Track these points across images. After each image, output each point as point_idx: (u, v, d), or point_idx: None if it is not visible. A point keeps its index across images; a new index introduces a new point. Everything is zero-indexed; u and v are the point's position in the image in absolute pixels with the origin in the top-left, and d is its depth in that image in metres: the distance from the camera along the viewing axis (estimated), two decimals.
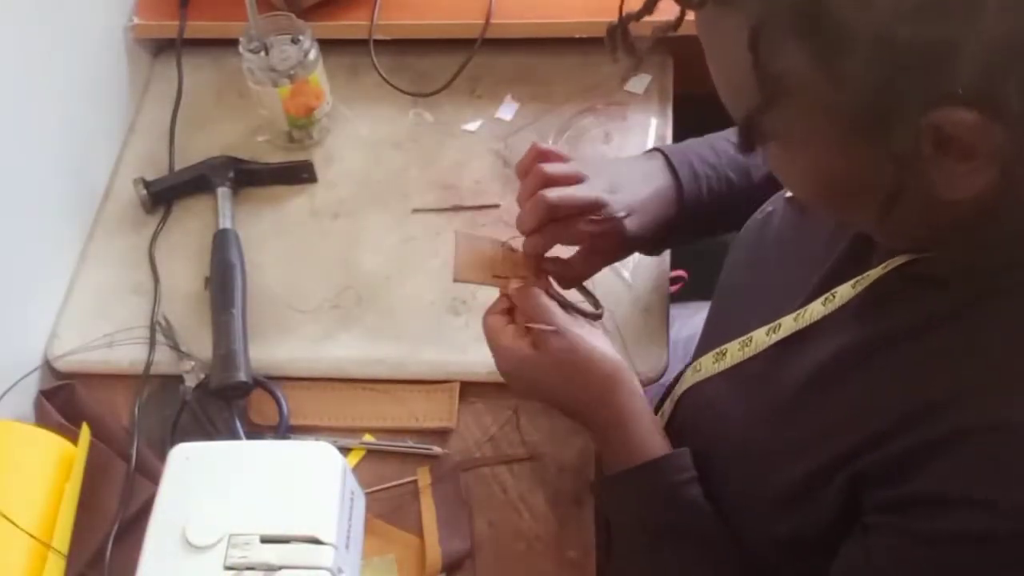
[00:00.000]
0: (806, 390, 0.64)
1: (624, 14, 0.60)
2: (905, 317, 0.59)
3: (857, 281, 0.63)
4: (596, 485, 0.79)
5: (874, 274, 0.61)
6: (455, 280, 0.80)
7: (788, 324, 0.68)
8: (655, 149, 0.88)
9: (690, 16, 0.56)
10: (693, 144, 0.90)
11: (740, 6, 0.50)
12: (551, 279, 0.80)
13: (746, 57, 0.50)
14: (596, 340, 0.76)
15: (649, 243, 0.85)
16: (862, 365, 0.61)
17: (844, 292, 0.64)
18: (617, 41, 0.61)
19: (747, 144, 0.55)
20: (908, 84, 0.47)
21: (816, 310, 0.66)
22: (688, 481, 0.71)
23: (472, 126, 1.12)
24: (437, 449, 0.90)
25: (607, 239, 0.80)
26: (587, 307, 0.81)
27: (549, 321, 0.75)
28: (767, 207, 0.81)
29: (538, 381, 0.77)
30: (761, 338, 0.70)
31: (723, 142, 0.89)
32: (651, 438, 0.74)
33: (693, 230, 0.86)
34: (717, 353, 0.74)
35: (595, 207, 0.77)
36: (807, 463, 0.62)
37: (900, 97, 0.47)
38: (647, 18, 0.59)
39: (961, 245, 0.57)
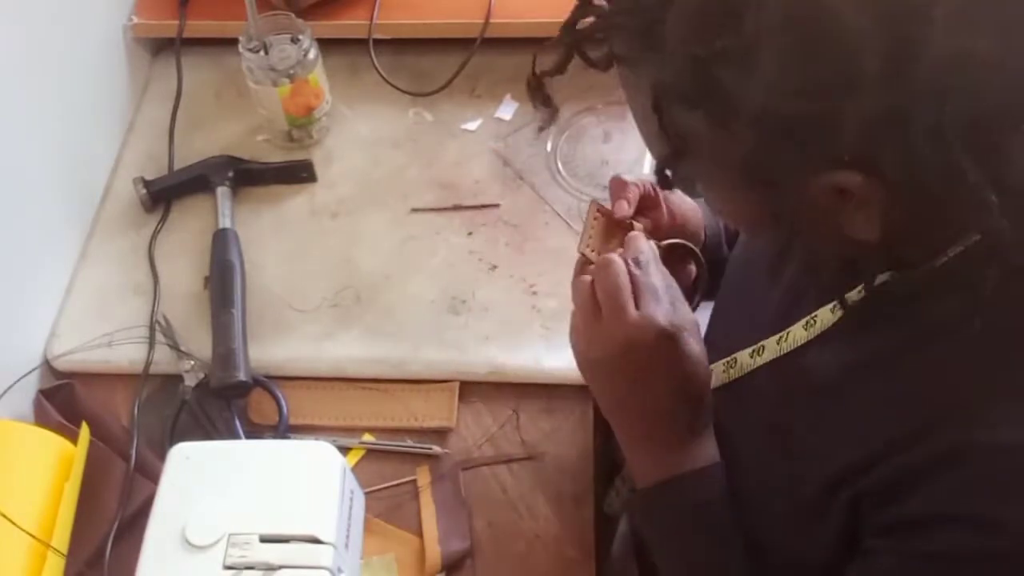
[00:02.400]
0: (794, 420, 0.64)
1: (539, 72, 0.64)
2: (889, 337, 0.59)
3: (835, 306, 0.63)
4: (631, 497, 0.74)
5: (853, 296, 0.61)
6: (579, 250, 0.75)
7: (771, 347, 0.68)
8: None
9: None
10: None
11: (640, 73, 0.55)
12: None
13: (652, 118, 0.54)
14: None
15: None
16: (852, 387, 0.61)
17: (824, 316, 0.64)
18: (535, 96, 0.66)
19: (664, 184, 0.59)
20: (794, 150, 0.50)
21: (798, 335, 0.66)
22: (722, 498, 0.69)
23: (472, 125, 1.12)
24: (437, 449, 0.90)
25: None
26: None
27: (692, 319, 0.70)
28: None
29: (647, 364, 0.67)
30: (745, 360, 0.70)
31: None
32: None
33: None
34: None
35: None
36: (804, 492, 0.62)
37: (784, 160, 0.51)
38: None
39: (916, 264, 0.57)
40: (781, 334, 0.67)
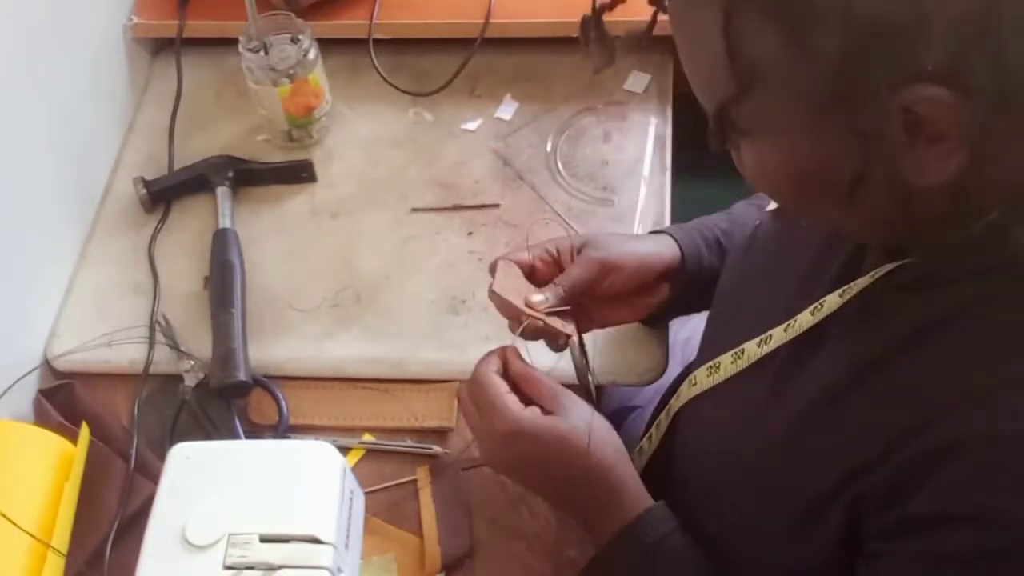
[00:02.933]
0: (805, 415, 0.63)
1: (598, 5, 0.61)
2: (893, 330, 0.58)
3: (844, 290, 0.62)
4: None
5: (862, 283, 0.61)
6: (493, 289, 0.78)
7: (778, 335, 0.67)
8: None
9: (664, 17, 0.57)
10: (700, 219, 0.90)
11: None
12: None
13: (719, 47, 0.51)
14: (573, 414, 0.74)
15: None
16: (856, 386, 0.60)
17: (831, 301, 0.63)
18: (590, 33, 0.62)
19: (720, 139, 0.56)
20: (876, 60, 0.47)
21: (805, 320, 0.65)
22: (666, 535, 0.70)
23: (472, 125, 1.12)
24: (437, 448, 0.90)
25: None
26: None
27: (551, 391, 0.74)
28: (756, 220, 0.81)
29: (537, 453, 0.73)
30: (752, 350, 0.69)
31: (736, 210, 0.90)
32: (630, 505, 0.73)
33: (703, 291, 0.84)
34: (711, 367, 0.73)
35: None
36: (808, 488, 0.61)
37: (868, 74, 0.47)
38: (623, 17, 0.60)
39: (936, 241, 0.56)
40: (789, 322, 0.66)
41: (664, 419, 0.80)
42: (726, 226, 0.87)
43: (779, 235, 0.76)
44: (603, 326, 0.86)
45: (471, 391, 0.75)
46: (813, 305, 0.65)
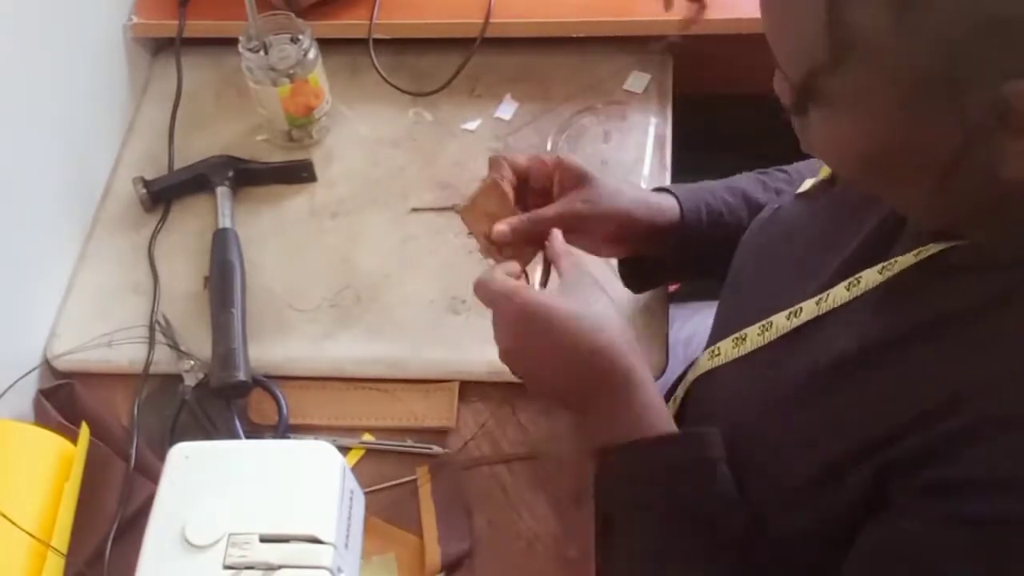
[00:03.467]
0: (827, 379, 0.63)
1: None
2: (935, 307, 0.58)
3: (884, 267, 0.61)
4: (603, 455, 0.71)
5: (905, 261, 0.60)
6: (461, 211, 0.79)
7: (810, 308, 0.66)
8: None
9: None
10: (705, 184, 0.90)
11: None
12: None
13: (818, 11, 0.49)
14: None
15: (645, 239, 0.85)
16: (890, 356, 0.60)
17: (870, 277, 0.62)
18: None
19: (801, 106, 0.54)
20: (986, 53, 0.46)
21: (839, 295, 0.64)
22: (721, 460, 0.68)
23: (471, 125, 1.12)
24: (437, 448, 0.90)
25: (602, 222, 0.81)
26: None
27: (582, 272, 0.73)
28: (773, 205, 0.81)
29: (555, 345, 0.69)
30: (782, 322, 0.68)
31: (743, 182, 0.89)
32: (663, 414, 0.70)
33: (697, 256, 0.84)
34: (736, 338, 0.72)
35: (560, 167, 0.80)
36: (828, 452, 0.61)
37: (975, 65, 0.46)
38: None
39: (1000, 230, 0.56)
40: (820, 296, 0.66)
41: (681, 391, 0.80)
42: (730, 198, 0.87)
43: (802, 213, 0.76)
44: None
45: (485, 287, 0.74)
46: (849, 280, 0.64)
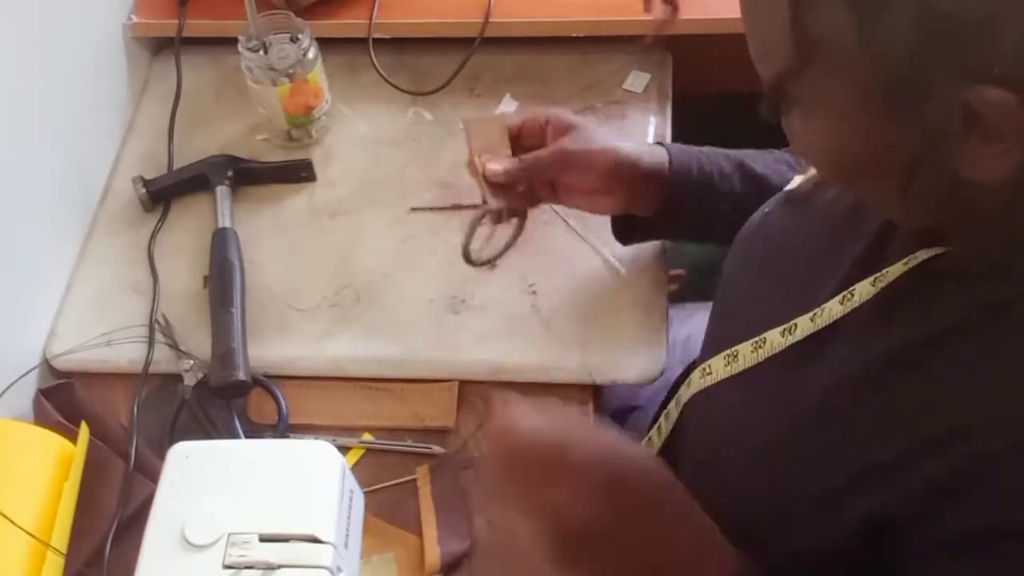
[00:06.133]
0: (828, 401, 0.62)
1: None
2: (932, 320, 0.57)
3: (877, 278, 0.61)
4: None
5: (895, 270, 0.59)
6: (468, 163, 0.82)
7: (805, 325, 0.65)
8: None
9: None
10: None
11: None
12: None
13: (784, 15, 0.50)
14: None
15: (636, 195, 0.86)
16: (890, 377, 0.58)
17: (864, 290, 0.61)
18: None
19: (774, 109, 0.55)
20: (944, 57, 0.46)
21: (834, 309, 0.63)
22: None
23: None
24: (436, 448, 0.90)
25: (595, 163, 0.83)
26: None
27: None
28: (764, 208, 0.81)
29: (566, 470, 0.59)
30: (776, 339, 0.67)
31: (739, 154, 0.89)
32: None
33: (684, 210, 0.85)
34: (728, 355, 0.71)
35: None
36: (826, 479, 0.60)
37: (934, 69, 0.47)
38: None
39: (983, 234, 0.55)
40: (816, 311, 0.65)
41: (674, 409, 0.79)
42: (725, 164, 0.87)
43: (792, 221, 0.75)
44: (561, 204, 0.90)
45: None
46: (843, 293, 0.63)
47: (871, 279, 0.61)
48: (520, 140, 0.86)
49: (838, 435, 0.61)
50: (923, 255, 0.58)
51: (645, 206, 0.88)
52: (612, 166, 0.84)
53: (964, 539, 0.54)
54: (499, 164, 0.82)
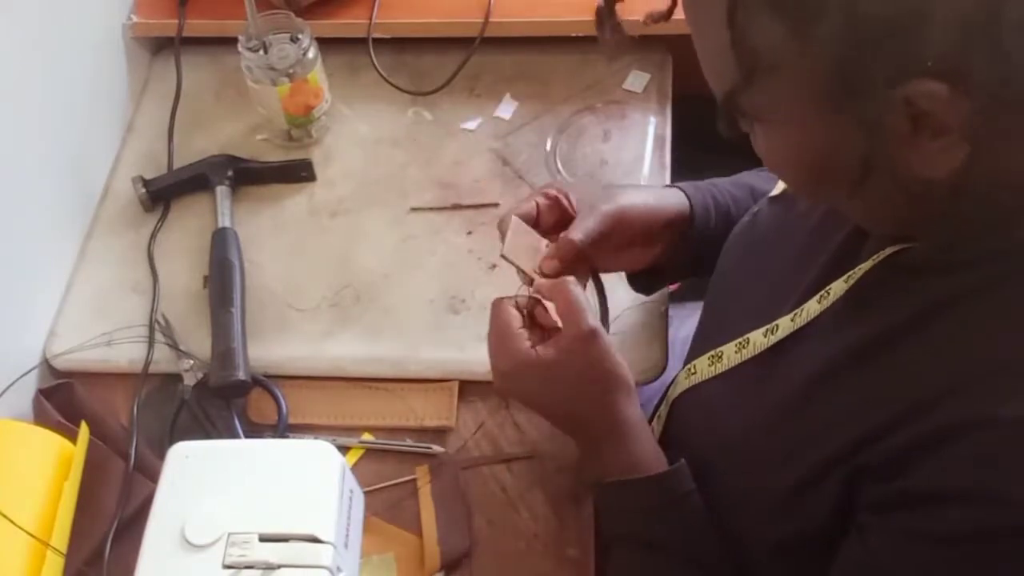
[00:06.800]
0: (804, 392, 0.64)
1: None
2: (897, 311, 0.59)
3: (849, 276, 0.63)
4: (595, 489, 0.77)
5: (865, 266, 0.61)
6: (503, 255, 0.79)
7: (785, 324, 0.68)
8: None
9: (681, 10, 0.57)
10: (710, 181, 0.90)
11: None
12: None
13: (725, 35, 0.51)
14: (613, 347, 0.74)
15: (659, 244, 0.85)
16: (858, 364, 0.61)
17: (837, 288, 0.64)
18: (605, 22, 0.64)
19: (729, 125, 0.57)
20: (877, 55, 0.48)
21: (812, 308, 0.66)
22: (689, 493, 0.71)
23: (471, 125, 1.12)
24: (436, 448, 0.90)
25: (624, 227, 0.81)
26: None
27: (583, 320, 0.72)
28: (753, 208, 0.81)
29: (545, 384, 0.73)
30: (759, 339, 0.70)
31: (747, 177, 0.90)
32: (650, 450, 0.74)
33: (703, 245, 0.84)
34: (712, 356, 0.74)
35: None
36: (805, 465, 0.62)
37: (869, 67, 0.48)
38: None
39: (942, 229, 0.57)
40: (796, 311, 0.67)
41: (664, 409, 0.80)
42: (737, 192, 0.88)
43: (777, 223, 0.77)
44: (602, 271, 0.86)
45: (491, 319, 0.77)
46: (820, 293, 0.65)
47: (844, 277, 0.63)
48: (539, 222, 0.82)
49: (812, 422, 0.63)
50: (889, 251, 0.60)
51: (677, 252, 0.86)
52: (650, 216, 0.82)
53: (900, 497, 0.56)
54: (553, 259, 0.78)
